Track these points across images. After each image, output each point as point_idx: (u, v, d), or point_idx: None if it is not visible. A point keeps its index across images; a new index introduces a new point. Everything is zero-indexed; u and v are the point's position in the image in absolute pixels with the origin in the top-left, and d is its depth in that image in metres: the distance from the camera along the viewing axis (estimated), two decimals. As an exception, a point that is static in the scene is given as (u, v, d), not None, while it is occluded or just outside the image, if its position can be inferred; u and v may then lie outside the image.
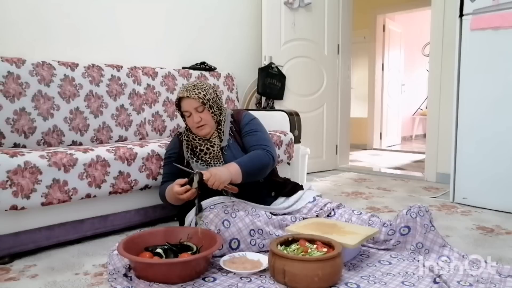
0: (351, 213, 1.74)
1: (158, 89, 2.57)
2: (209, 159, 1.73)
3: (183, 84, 1.82)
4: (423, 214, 1.54)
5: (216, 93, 1.78)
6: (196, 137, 1.76)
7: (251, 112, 1.93)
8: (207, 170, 1.50)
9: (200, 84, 1.73)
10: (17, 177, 1.49)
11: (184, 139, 1.79)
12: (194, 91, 1.68)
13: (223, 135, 1.76)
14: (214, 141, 1.74)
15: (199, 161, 1.74)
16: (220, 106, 1.78)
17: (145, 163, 1.88)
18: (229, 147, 1.75)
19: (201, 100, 1.67)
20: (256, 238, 1.53)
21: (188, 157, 1.76)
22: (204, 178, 1.46)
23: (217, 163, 1.71)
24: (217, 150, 1.73)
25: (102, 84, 2.29)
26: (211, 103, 1.71)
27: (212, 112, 1.72)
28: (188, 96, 1.67)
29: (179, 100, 1.72)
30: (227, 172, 1.53)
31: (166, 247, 1.42)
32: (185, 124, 1.79)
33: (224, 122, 1.79)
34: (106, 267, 1.47)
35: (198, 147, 1.75)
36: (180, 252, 1.40)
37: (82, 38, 2.41)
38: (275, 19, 3.30)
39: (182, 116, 1.77)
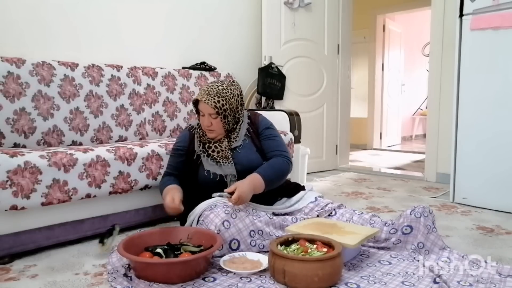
0: (352, 212, 1.74)
1: (158, 89, 2.57)
2: (218, 158, 1.72)
3: (210, 82, 1.74)
4: (427, 215, 1.55)
5: (239, 101, 1.76)
6: (205, 134, 1.76)
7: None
8: (236, 190, 1.50)
9: (223, 91, 1.69)
10: (17, 177, 1.49)
11: (197, 132, 1.79)
12: (214, 98, 1.66)
13: (238, 136, 1.77)
14: (223, 143, 1.74)
15: (210, 157, 1.73)
16: (237, 115, 1.77)
17: (145, 163, 1.88)
18: (243, 147, 1.76)
19: (216, 110, 1.66)
20: (256, 239, 1.53)
21: (200, 151, 1.76)
22: (233, 204, 1.52)
23: (226, 163, 1.71)
24: (225, 150, 1.73)
25: (102, 84, 2.29)
26: (227, 113, 1.69)
27: (225, 122, 1.71)
28: (205, 102, 1.66)
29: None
30: (251, 191, 1.56)
31: (166, 247, 1.42)
32: (198, 119, 1.79)
33: (239, 126, 1.78)
34: (106, 267, 1.47)
35: (207, 144, 1.75)
36: (181, 252, 1.40)
37: (82, 38, 2.41)
38: (275, 19, 3.30)
39: (197, 112, 1.76)
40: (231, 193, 1.51)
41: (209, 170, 1.71)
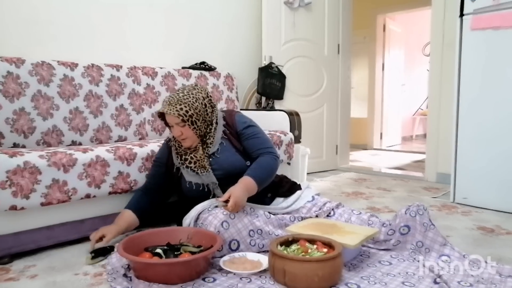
0: (351, 212, 1.74)
1: (158, 89, 2.56)
2: (195, 168, 1.70)
3: (167, 96, 1.72)
4: (422, 213, 1.54)
5: (206, 104, 1.70)
6: (181, 145, 1.74)
7: (243, 112, 1.92)
8: (231, 197, 1.50)
9: (184, 98, 1.64)
10: (17, 177, 1.49)
11: (174, 145, 1.77)
12: (176, 107, 1.61)
13: (213, 141, 1.73)
14: (198, 152, 1.70)
15: (189, 168, 1.71)
16: (207, 119, 1.71)
17: (145, 163, 1.88)
18: (222, 151, 1.73)
19: (181, 118, 1.62)
20: (255, 238, 1.53)
21: (179, 163, 1.74)
22: (230, 211, 1.51)
23: (203, 172, 1.68)
24: (202, 159, 1.69)
25: (101, 84, 2.29)
26: (193, 119, 1.64)
27: (195, 128, 1.66)
28: (168, 113, 1.62)
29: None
30: (246, 195, 1.56)
31: (166, 248, 1.42)
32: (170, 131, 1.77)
33: (214, 129, 1.74)
34: (105, 268, 1.47)
35: (184, 155, 1.73)
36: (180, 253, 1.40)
37: (81, 38, 2.41)
38: (275, 19, 3.30)
39: (167, 124, 1.74)
40: (226, 201, 1.51)
41: (191, 181, 1.70)
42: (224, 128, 1.78)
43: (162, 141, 2.05)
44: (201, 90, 1.72)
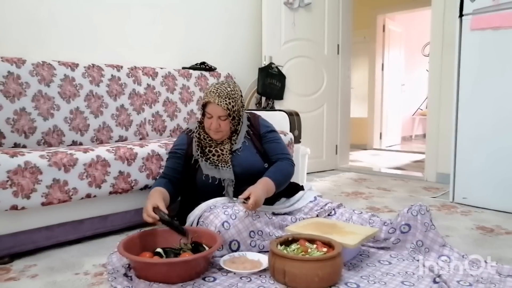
0: (352, 212, 1.75)
1: (158, 89, 2.57)
2: (217, 161, 1.71)
3: (215, 83, 1.69)
4: (424, 213, 1.55)
5: (242, 100, 1.77)
6: (207, 137, 1.74)
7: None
8: (251, 196, 1.49)
9: (231, 92, 1.68)
10: (17, 177, 1.49)
11: (195, 136, 1.77)
12: (226, 100, 1.65)
13: (237, 138, 1.76)
14: (225, 146, 1.73)
15: (208, 161, 1.72)
16: (240, 115, 1.77)
17: (145, 163, 1.89)
18: (243, 149, 1.76)
19: (228, 112, 1.66)
20: (256, 239, 1.53)
21: (198, 155, 1.73)
22: (249, 209, 1.51)
23: (224, 167, 1.69)
24: (226, 154, 1.71)
25: (102, 84, 2.29)
26: (235, 114, 1.70)
27: (232, 123, 1.71)
28: (218, 104, 1.64)
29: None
30: (265, 195, 1.57)
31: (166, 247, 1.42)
32: (201, 120, 1.76)
33: (240, 127, 1.78)
34: (106, 267, 1.47)
35: (208, 148, 1.74)
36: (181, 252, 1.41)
37: (82, 38, 2.41)
38: (275, 19, 3.30)
39: (203, 114, 1.73)
40: (246, 198, 1.51)
41: (208, 175, 1.69)
42: (248, 128, 1.82)
43: (163, 141, 2.06)
44: (239, 88, 1.79)
